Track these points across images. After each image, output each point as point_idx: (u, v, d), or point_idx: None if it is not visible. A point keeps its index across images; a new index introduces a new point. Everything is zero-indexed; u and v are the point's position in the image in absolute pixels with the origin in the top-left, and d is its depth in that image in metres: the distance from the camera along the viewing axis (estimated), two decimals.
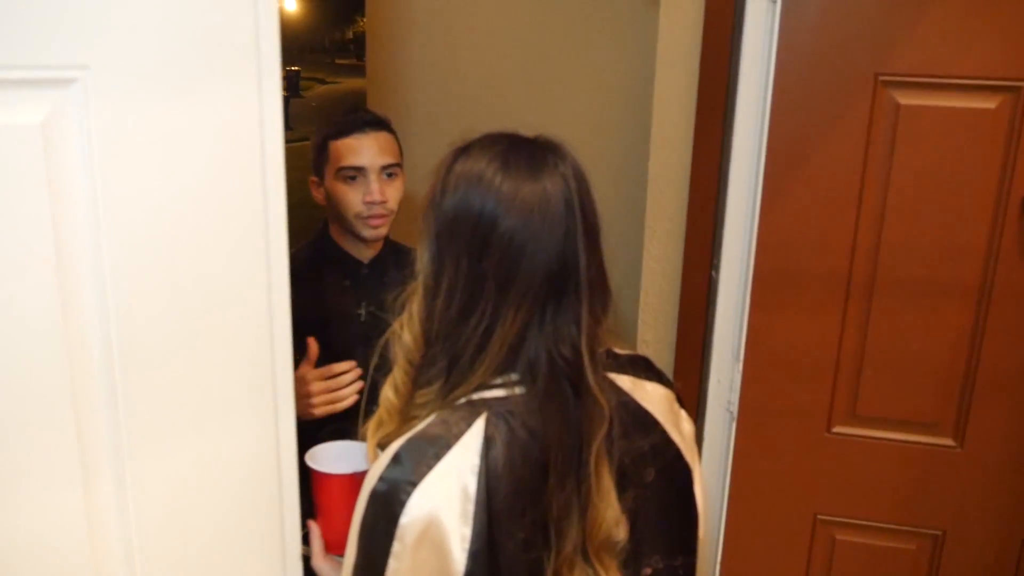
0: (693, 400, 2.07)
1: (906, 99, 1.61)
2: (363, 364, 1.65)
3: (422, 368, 1.00)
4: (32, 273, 0.72)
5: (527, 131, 1.02)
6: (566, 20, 2.71)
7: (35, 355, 0.73)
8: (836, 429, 1.80)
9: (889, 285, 1.69)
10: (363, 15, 2.94)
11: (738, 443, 1.87)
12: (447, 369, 0.98)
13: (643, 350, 2.21)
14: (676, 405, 1.12)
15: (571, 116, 2.71)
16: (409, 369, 1.02)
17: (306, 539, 1.12)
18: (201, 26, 0.78)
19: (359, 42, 2.95)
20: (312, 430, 1.33)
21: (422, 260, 0.99)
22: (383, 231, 1.69)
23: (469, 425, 0.93)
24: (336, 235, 1.74)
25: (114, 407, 0.79)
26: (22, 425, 0.74)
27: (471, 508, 0.90)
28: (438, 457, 0.91)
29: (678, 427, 1.09)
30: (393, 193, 1.67)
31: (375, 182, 1.64)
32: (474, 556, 0.89)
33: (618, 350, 1.10)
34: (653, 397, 1.08)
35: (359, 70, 2.95)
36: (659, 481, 1.05)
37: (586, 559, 0.97)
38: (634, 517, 1.01)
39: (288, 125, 2.80)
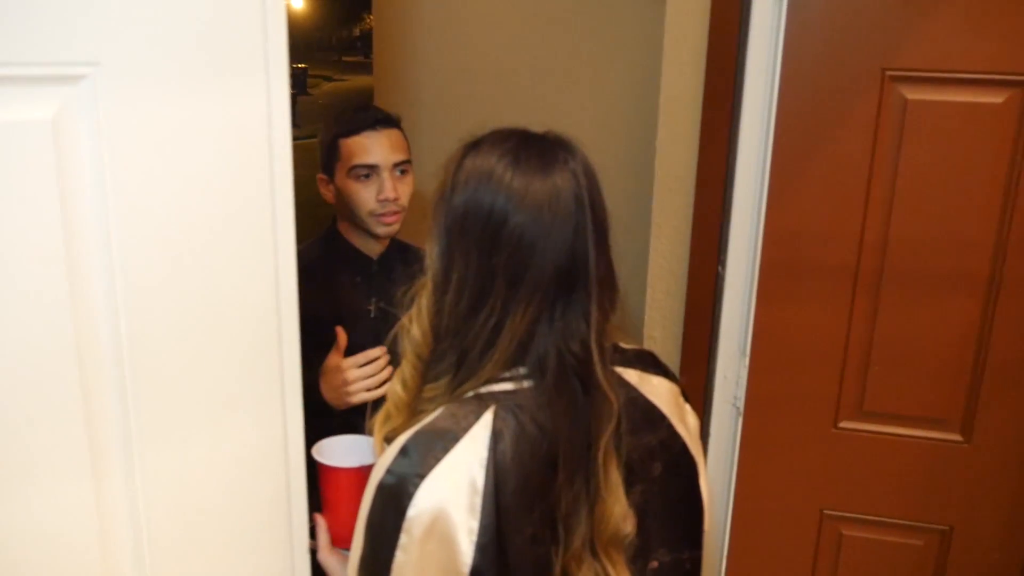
0: (700, 395, 2.07)
1: (913, 94, 1.61)
2: None
3: (431, 363, 1.00)
4: (42, 268, 0.73)
5: (535, 128, 1.02)
6: (573, 18, 2.71)
7: (45, 349, 0.74)
8: (843, 424, 1.79)
9: (896, 280, 1.69)
10: (370, 12, 2.95)
11: (744, 438, 1.87)
12: (456, 364, 0.98)
13: (650, 346, 2.21)
14: (681, 400, 1.13)
15: (578, 113, 2.71)
16: (418, 364, 1.02)
17: (312, 533, 1.12)
18: (209, 23, 0.78)
19: (366, 40, 2.96)
20: (320, 423, 1.33)
21: (432, 255, 0.99)
22: (396, 227, 1.71)
23: (477, 418, 0.94)
24: (345, 232, 1.75)
25: (123, 401, 0.79)
26: (33, 419, 0.75)
27: (479, 501, 0.90)
28: (446, 450, 0.91)
29: (684, 422, 1.09)
30: (405, 189, 1.69)
31: (388, 179, 1.65)
32: (482, 549, 0.90)
33: (624, 345, 1.10)
34: (659, 392, 1.08)
35: (366, 68, 2.96)
36: (666, 476, 1.05)
37: (594, 554, 0.97)
38: (641, 512, 1.02)
39: (295, 122, 2.81)
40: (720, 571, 1.99)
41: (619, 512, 0.97)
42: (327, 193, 1.74)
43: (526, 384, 0.97)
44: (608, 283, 0.99)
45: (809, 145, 1.68)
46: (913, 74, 1.60)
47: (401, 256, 1.77)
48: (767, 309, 1.78)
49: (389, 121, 1.70)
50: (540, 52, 2.76)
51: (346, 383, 1.54)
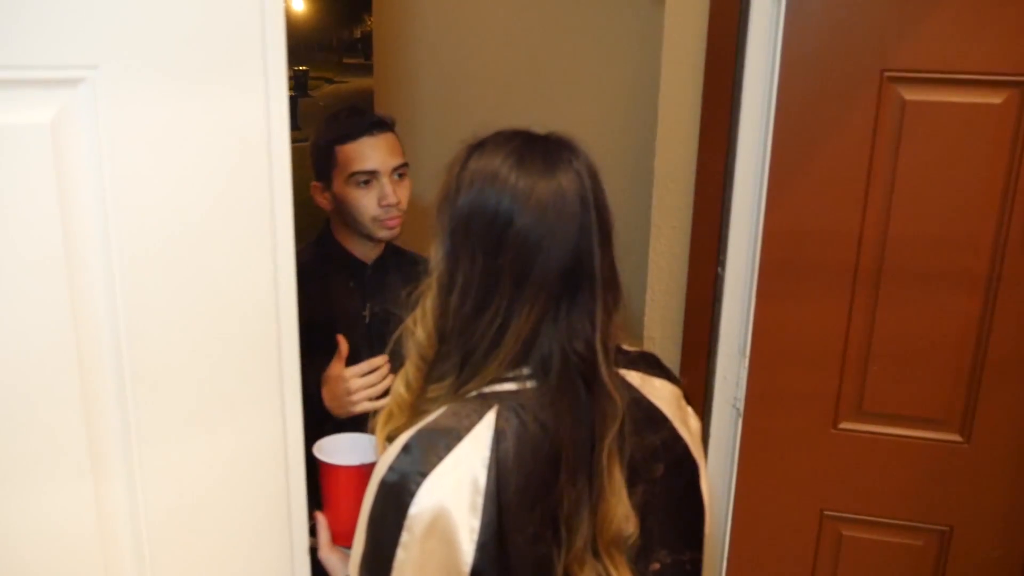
0: (699, 396, 2.07)
1: (912, 95, 1.61)
2: None
3: (435, 364, 1.00)
4: (42, 270, 0.73)
5: (536, 129, 1.02)
6: (572, 19, 2.72)
7: (45, 351, 0.74)
8: (842, 425, 1.79)
9: (895, 280, 1.69)
10: (371, 14, 2.95)
11: (744, 439, 1.87)
12: (460, 364, 0.98)
13: (649, 346, 2.21)
14: (683, 402, 1.13)
15: (577, 113, 2.71)
16: (421, 365, 1.02)
17: (313, 530, 1.12)
18: (207, 26, 0.78)
19: (367, 41, 2.96)
20: (321, 422, 1.34)
21: (436, 257, 0.99)
22: (398, 231, 1.70)
23: (480, 417, 0.94)
24: (340, 236, 1.73)
25: (123, 401, 0.80)
26: (33, 419, 0.75)
27: (480, 500, 0.90)
28: (448, 448, 0.91)
29: (686, 424, 1.10)
30: (404, 193, 1.68)
31: (388, 184, 1.64)
32: (482, 548, 0.90)
33: (627, 347, 1.11)
34: (662, 394, 1.08)
35: (367, 69, 2.96)
36: (668, 477, 1.05)
37: (596, 554, 0.97)
38: (643, 513, 1.01)
39: (296, 125, 2.81)
40: (720, 571, 1.99)
41: (622, 513, 0.97)
42: (323, 201, 1.71)
43: (529, 384, 0.97)
44: (612, 283, 0.99)
45: (808, 145, 1.68)
46: (911, 75, 1.60)
47: (395, 260, 1.77)
48: (767, 309, 1.78)
49: (384, 125, 1.68)
50: (539, 52, 2.77)
51: (349, 392, 1.53)
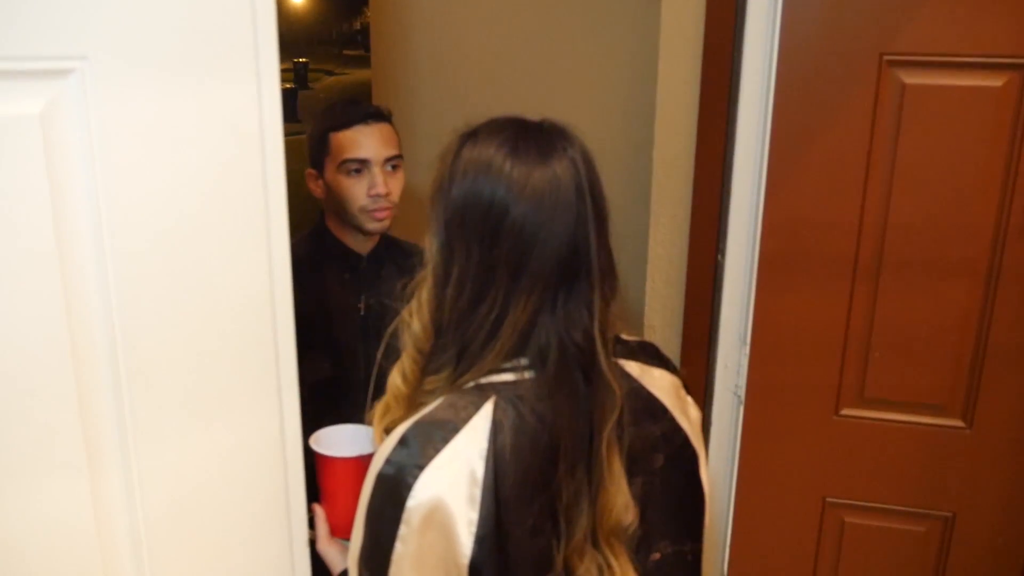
0: (700, 384, 2.07)
1: (911, 79, 1.60)
2: (364, 356, 1.65)
3: (431, 356, 1.00)
4: (33, 263, 0.72)
5: (529, 116, 1.01)
6: (570, 10, 2.70)
7: (39, 346, 0.74)
8: (844, 411, 1.79)
9: (896, 266, 1.68)
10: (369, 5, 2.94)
11: (746, 427, 1.87)
12: (457, 356, 0.97)
13: (649, 335, 2.21)
14: (683, 392, 1.12)
15: (576, 104, 2.70)
16: (418, 357, 1.02)
17: (311, 523, 1.12)
18: (198, 15, 0.78)
19: (367, 33, 2.95)
20: (318, 415, 1.33)
21: (431, 249, 0.98)
22: (387, 223, 1.68)
23: (477, 409, 0.93)
24: (334, 228, 1.72)
25: (118, 396, 0.79)
26: (28, 416, 0.75)
27: (478, 492, 0.90)
28: (445, 440, 0.91)
29: (685, 414, 1.09)
30: (396, 185, 1.66)
31: (379, 174, 1.63)
32: (481, 541, 0.90)
33: (626, 337, 1.10)
34: (661, 384, 1.08)
35: (367, 61, 2.95)
36: (668, 467, 1.05)
37: (596, 545, 0.97)
38: (643, 503, 1.01)
39: (296, 117, 2.80)
40: (723, 559, 1.99)
41: (621, 503, 0.97)
42: (316, 188, 1.71)
43: (527, 375, 0.96)
44: (609, 272, 0.98)
45: (807, 132, 1.67)
46: (911, 58, 1.59)
47: (391, 253, 1.75)
48: (767, 297, 1.77)
49: (380, 115, 1.67)
50: (537, 45, 2.76)
51: None
